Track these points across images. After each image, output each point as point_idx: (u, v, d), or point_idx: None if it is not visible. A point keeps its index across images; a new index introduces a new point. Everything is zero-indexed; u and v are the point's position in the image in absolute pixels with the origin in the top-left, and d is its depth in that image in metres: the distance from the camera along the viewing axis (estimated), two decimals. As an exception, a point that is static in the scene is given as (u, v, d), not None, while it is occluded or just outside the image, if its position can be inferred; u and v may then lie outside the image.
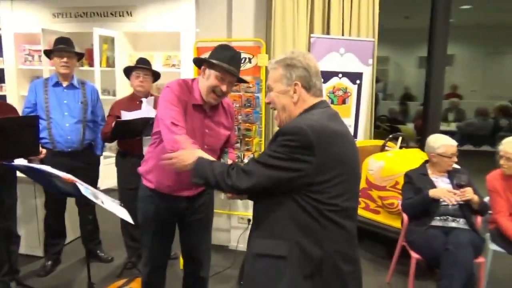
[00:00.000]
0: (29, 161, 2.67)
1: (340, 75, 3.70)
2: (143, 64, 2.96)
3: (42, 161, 2.76)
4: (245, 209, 3.48)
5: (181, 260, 2.57)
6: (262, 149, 3.30)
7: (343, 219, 1.32)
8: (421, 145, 4.41)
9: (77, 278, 3.05)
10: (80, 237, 3.52)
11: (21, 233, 2.96)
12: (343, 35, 3.74)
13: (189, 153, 1.52)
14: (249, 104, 3.20)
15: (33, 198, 3.25)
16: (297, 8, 3.45)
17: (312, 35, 3.57)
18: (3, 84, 5.14)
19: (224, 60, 1.82)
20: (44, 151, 2.79)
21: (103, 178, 3.61)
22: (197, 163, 1.45)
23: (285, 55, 1.44)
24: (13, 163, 2.31)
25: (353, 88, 3.77)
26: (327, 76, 3.66)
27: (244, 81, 2.11)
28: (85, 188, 1.77)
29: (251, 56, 3.23)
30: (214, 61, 1.83)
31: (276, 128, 3.38)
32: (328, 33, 3.73)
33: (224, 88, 1.85)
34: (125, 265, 3.17)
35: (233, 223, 3.58)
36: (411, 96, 9.48)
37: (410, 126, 7.29)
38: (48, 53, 2.96)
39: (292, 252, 1.30)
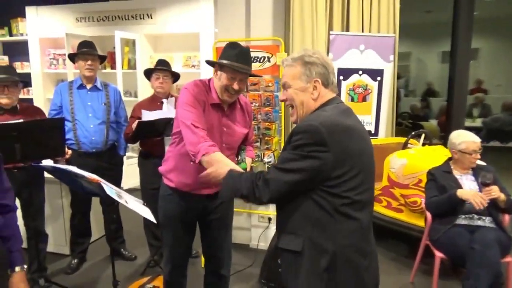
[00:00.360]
0: (55, 162, 2.76)
1: (360, 72, 3.66)
2: (162, 66, 3.01)
3: (68, 162, 2.85)
4: (265, 208, 3.48)
5: (203, 259, 2.60)
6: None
7: (357, 211, 1.33)
8: (444, 142, 4.31)
9: (102, 276, 3.12)
10: (104, 235, 3.61)
11: (48, 232, 3.06)
12: (363, 31, 3.69)
13: (221, 167, 1.53)
14: (268, 103, 3.19)
15: (60, 198, 3.34)
16: (316, 5, 3.43)
17: (331, 32, 3.53)
18: (30, 88, 5.31)
19: (232, 58, 1.84)
20: (69, 151, 2.88)
21: (126, 178, 3.69)
22: (226, 177, 1.46)
23: (301, 53, 1.44)
24: (41, 164, 2.39)
25: (373, 85, 3.71)
26: (347, 73, 3.62)
27: (256, 75, 2.12)
28: (109, 188, 1.81)
29: (270, 55, 3.23)
30: (223, 62, 1.86)
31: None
32: (347, 29, 3.68)
33: (236, 86, 1.87)
34: (148, 263, 3.22)
35: (253, 221, 3.59)
36: (434, 92, 9.27)
37: (433, 123, 7.13)
38: (72, 57, 3.05)
39: (305, 247, 1.33)
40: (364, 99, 3.73)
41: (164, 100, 3.01)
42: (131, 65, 4.95)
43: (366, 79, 3.69)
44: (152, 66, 3.12)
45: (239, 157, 2.00)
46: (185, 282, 2.29)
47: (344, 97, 3.64)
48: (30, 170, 2.61)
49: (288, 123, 3.37)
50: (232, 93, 1.90)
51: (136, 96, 4.86)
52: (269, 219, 3.48)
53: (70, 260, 3.23)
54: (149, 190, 3.01)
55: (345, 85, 3.65)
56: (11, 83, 2.61)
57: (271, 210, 3.46)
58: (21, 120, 2.51)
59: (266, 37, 3.32)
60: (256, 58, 3.25)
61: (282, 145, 3.28)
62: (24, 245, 3.12)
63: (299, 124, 1.35)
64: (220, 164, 1.56)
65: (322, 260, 1.31)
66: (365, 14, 3.67)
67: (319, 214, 1.31)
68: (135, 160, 3.30)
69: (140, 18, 4.77)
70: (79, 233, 3.23)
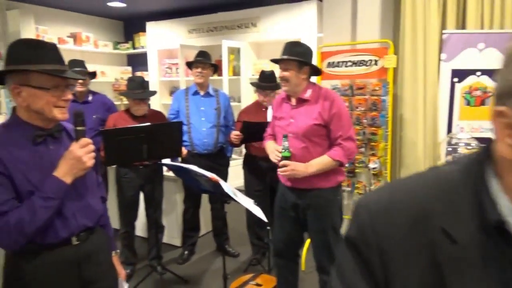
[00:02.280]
0: (172, 161, 3.05)
1: (479, 73, 3.33)
2: (267, 83, 3.09)
3: (183, 161, 3.12)
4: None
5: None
6: (388, 155, 3.15)
7: None
8: None
9: (210, 268, 3.34)
10: (210, 232, 3.86)
11: (164, 224, 3.38)
12: (482, 28, 3.36)
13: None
14: (375, 108, 3.09)
15: (174, 194, 3.67)
16: (429, 3, 3.23)
17: (444, 31, 3.29)
18: (147, 94, 5.93)
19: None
20: (185, 151, 3.16)
21: (230, 179, 3.90)
22: None
23: None
24: (167, 163, 2.66)
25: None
26: (462, 74, 3.33)
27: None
28: (227, 187, 1.95)
29: (377, 58, 3.13)
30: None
31: (408, 136, 3.13)
32: (463, 27, 3.39)
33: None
34: (250, 261, 3.35)
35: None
36: None
37: None
38: (190, 65, 3.34)
39: None
40: (482, 103, 3.39)
41: (269, 107, 3.12)
42: (236, 71, 5.23)
43: (485, 80, 3.35)
44: (254, 73, 3.24)
45: (282, 144, 2.03)
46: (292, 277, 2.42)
47: (458, 101, 3.36)
48: (152, 167, 2.92)
49: (395, 129, 3.21)
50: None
51: (239, 101, 5.10)
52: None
53: (182, 251, 3.52)
54: (253, 192, 3.14)
55: (460, 87, 3.35)
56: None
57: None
58: (148, 124, 2.83)
59: (374, 39, 3.22)
60: (362, 62, 3.18)
61: (389, 151, 3.14)
62: (145, 234, 3.50)
63: None
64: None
65: None
66: (485, 9, 3.34)
67: None
68: (237, 162, 3.47)
69: (245, 27, 5.01)
70: (190, 227, 3.50)
